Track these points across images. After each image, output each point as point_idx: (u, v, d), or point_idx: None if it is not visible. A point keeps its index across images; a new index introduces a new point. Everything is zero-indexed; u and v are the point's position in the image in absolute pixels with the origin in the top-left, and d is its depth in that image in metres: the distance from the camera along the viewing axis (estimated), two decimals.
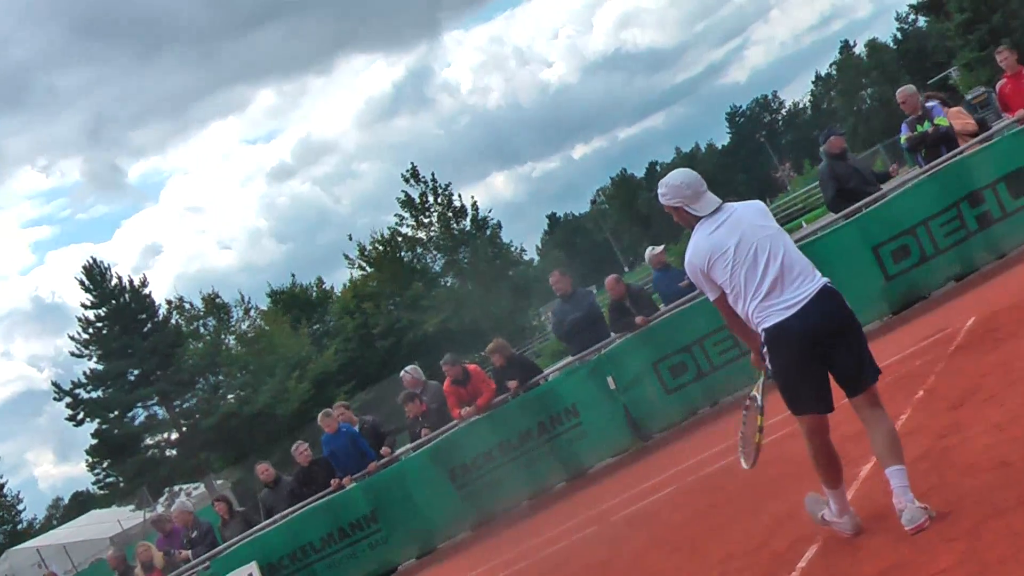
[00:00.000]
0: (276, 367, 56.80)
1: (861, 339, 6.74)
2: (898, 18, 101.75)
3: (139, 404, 56.00)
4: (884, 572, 5.99)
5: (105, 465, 55.64)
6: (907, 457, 7.93)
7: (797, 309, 6.51)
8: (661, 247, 18.34)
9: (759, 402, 7.22)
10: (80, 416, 55.52)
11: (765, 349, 6.58)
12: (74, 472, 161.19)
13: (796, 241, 16.33)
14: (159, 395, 55.52)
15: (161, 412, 56.41)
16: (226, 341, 62.06)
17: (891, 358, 12.73)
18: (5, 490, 65.93)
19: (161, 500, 53.35)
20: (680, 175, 6.84)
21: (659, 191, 6.91)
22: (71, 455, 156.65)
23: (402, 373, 18.46)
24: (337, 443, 17.70)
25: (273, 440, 49.21)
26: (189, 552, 18.70)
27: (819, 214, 41.33)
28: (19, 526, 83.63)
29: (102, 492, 61.09)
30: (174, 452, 55.74)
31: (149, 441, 56.08)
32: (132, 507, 54.09)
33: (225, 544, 18.45)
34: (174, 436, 56.08)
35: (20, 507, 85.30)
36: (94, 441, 55.53)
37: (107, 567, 21.48)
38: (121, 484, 55.32)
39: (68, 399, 55.56)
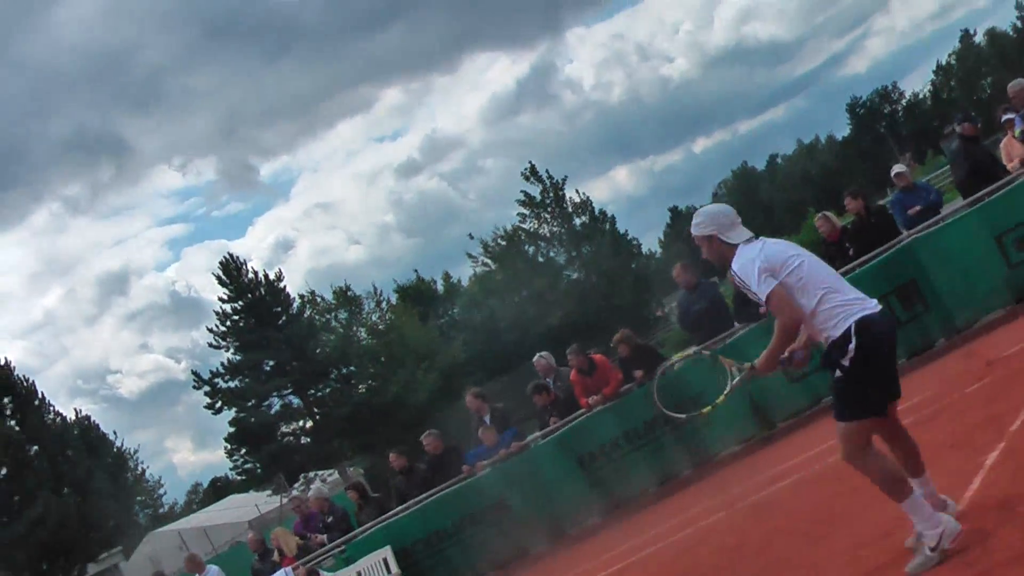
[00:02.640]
0: (406, 359, 57.25)
1: None
2: (1018, 6, 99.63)
3: (274, 394, 56.80)
4: (1016, 560, 5.91)
5: (242, 452, 56.53)
6: None
7: (882, 309, 6.70)
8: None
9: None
10: (218, 405, 56.50)
11: (853, 343, 6.54)
12: (212, 459, 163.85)
13: (920, 230, 16.20)
14: (293, 385, 56.26)
15: (296, 401, 57.18)
16: (357, 333, 62.72)
17: (1013, 348, 12.53)
18: (147, 475, 67.37)
19: (296, 486, 54.08)
20: (717, 206, 7.12)
21: (694, 221, 7.08)
22: (208, 442, 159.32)
23: (536, 358, 18.53)
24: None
25: (404, 429, 49.61)
26: (325, 536, 18.98)
27: (949, 198, 40.51)
28: (160, 510, 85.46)
29: (240, 478, 62.15)
30: (308, 440, 56.44)
31: (284, 429, 56.87)
32: (269, 492, 54.92)
33: (360, 529, 18.71)
34: (308, 425, 56.81)
35: (161, 492, 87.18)
36: (232, 429, 56.45)
37: (247, 549, 21.90)
38: (258, 470, 56.16)
39: (207, 388, 56.55)
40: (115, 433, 53.65)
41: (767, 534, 9.76)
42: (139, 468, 58.52)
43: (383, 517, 18.58)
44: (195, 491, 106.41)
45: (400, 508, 18.43)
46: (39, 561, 43.23)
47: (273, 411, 56.78)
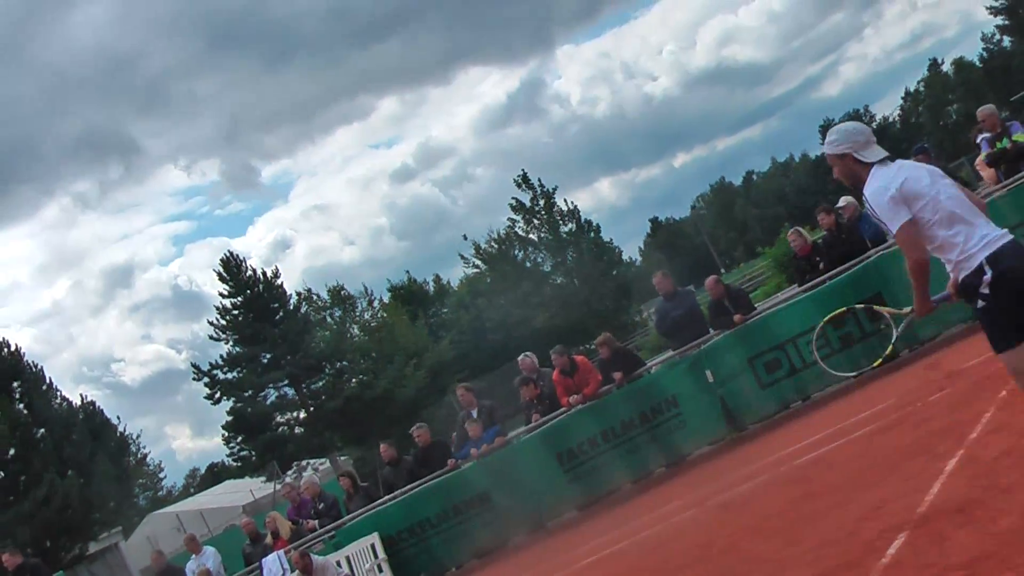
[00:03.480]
0: (395, 356, 57.20)
1: None
2: (984, 38, 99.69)
3: (270, 385, 56.68)
4: (971, 563, 5.92)
5: (239, 440, 56.41)
6: (991, 453, 7.86)
7: (1012, 240, 5.96)
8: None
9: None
10: (217, 395, 56.40)
11: (988, 275, 5.84)
12: (209, 446, 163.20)
13: (884, 247, 16.27)
14: (289, 378, 56.14)
15: (290, 393, 57.06)
16: (350, 330, 62.65)
17: (974, 360, 12.57)
18: (147, 460, 67.31)
19: (290, 473, 53.98)
20: (852, 123, 6.46)
21: (828, 139, 6.40)
22: (206, 430, 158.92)
23: (521, 357, 18.58)
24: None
25: (392, 422, 49.60)
26: (316, 522, 18.98)
27: None
28: (160, 493, 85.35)
29: (236, 464, 62.00)
30: (301, 430, 56.32)
31: (279, 419, 56.73)
32: (263, 479, 54.80)
33: (349, 516, 18.71)
34: (302, 415, 56.69)
35: (161, 476, 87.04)
36: (229, 418, 56.32)
37: (240, 533, 21.86)
38: (253, 458, 56.03)
39: (206, 379, 56.45)
40: (118, 418, 53.61)
41: (735, 532, 9.77)
42: (140, 453, 58.47)
43: (371, 505, 18.59)
44: (193, 476, 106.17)
45: (388, 497, 18.44)
46: (43, 539, 43.13)
47: (269, 402, 56.69)
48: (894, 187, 6.02)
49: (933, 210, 5.99)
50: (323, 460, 57.50)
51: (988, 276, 5.84)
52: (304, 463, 56.29)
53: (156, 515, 63.22)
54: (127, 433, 53.82)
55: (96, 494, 46.49)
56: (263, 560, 18.49)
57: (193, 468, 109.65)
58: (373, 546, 17.90)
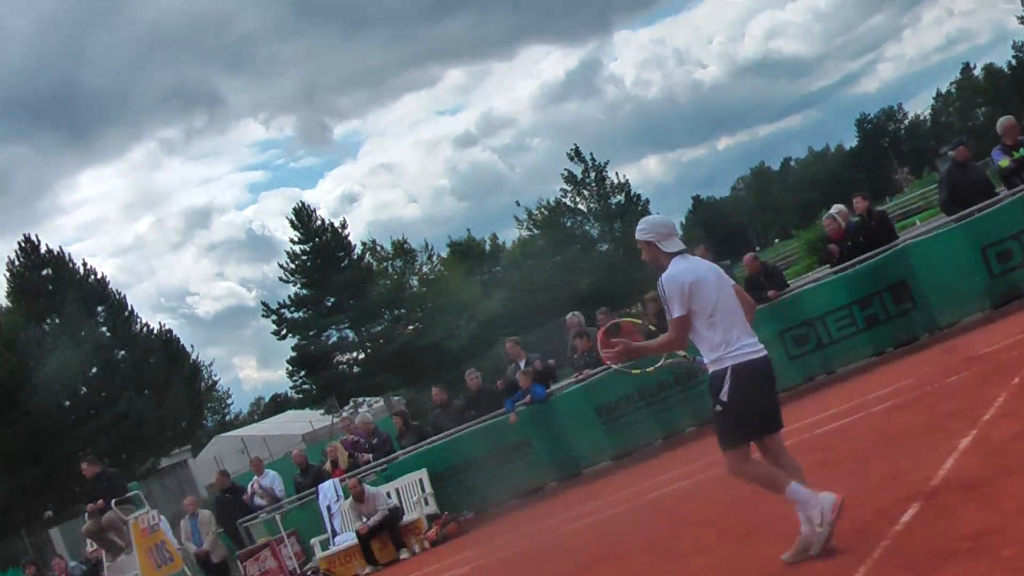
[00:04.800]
0: (450, 307, 57.36)
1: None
2: (1015, 46, 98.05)
3: (333, 327, 57.06)
4: (977, 535, 5.92)
5: (301, 375, 56.92)
6: (1002, 435, 7.83)
7: (764, 355, 6.79)
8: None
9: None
10: (283, 332, 56.87)
11: (729, 383, 6.61)
12: (273, 378, 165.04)
13: (911, 237, 16.20)
14: (350, 321, 56.50)
15: (351, 335, 57.44)
16: (409, 281, 62.84)
17: (990, 347, 12.48)
18: (216, 387, 67.85)
19: (346, 408, 54.38)
20: (659, 217, 7.11)
21: (638, 227, 7.06)
22: (271, 363, 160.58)
23: (569, 316, 18.66)
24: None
25: (442, 368, 49.80)
26: (370, 455, 19.15)
27: (933, 213, 40.34)
28: (227, 417, 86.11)
29: (298, 396, 62.58)
30: (359, 370, 56.71)
31: (339, 358, 57.17)
32: (322, 411, 55.21)
33: (400, 452, 18.86)
34: (360, 356, 57.06)
35: (228, 402, 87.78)
36: (293, 354, 56.83)
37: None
38: (314, 392, 56.53)
39: (274, 317, 56.93)
40: (191, 347, 53.96)
41: (758, 493, 9.72)
42: (210, 380, 58.80)
43: (421, 443, 18.71)
44: (257, 404, 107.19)
45: (437, 437, 18.56)
46: (119, 452, 43.71)
47: (331, 342, 57.09)
48: (687, 282, 6.66)
49: (707, 310, 6.66)
50: (377, 399, 57.86)
51: (728, 385, 6.60)
52: (360, 400, 56.70)
53: (222, 437, 63.92)
54: (199, 361, 54.26)
55: (169, 414, 47.03)
56: (320, 486, 18.70)
57: (258, 397, 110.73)
58: (421, 481, 18.06)
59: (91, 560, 20.65)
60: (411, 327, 57.05)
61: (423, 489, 17.99)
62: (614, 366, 7.64)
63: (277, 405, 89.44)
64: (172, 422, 48.04)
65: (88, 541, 19.98)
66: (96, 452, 30.86)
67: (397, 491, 18.13)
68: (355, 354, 57.28)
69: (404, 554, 17.14)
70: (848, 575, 6.07)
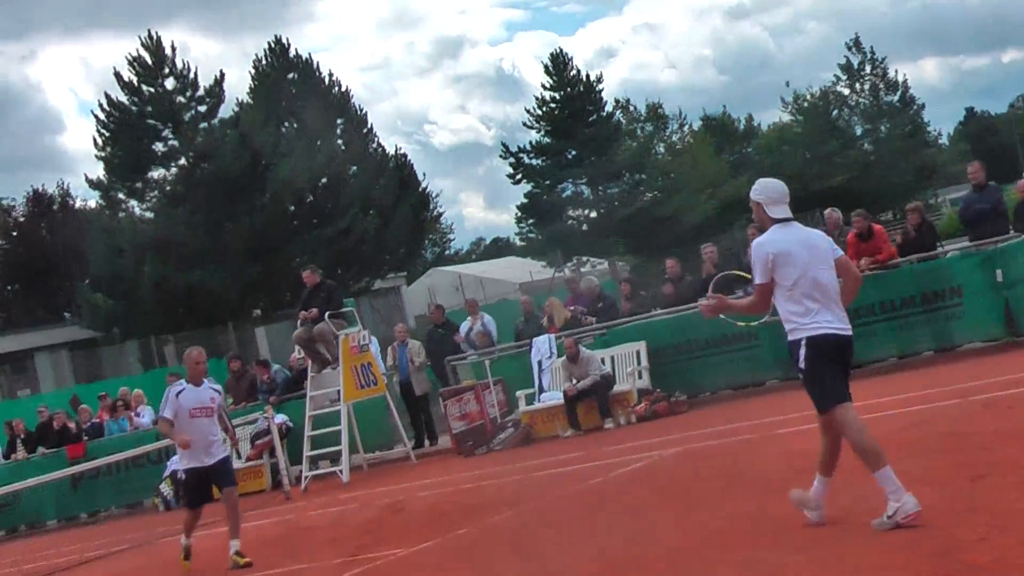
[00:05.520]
0: (692, 181, 56.82)
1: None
2: None
3: (569, 180, 57.21)
4: None
5: (530, 223, 57.51)
6: None
7: (842, 333, 7.21)
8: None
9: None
10: (518, 177, 57.38)
11: (804, 350, 7.14)
12: (497, 220, 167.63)
13: None
14: (588, 177, 56.51)
15: (586, 192, 57.56)
16: (656, 147, 62.37)
17: None
18: (441, 219, 69.39)
19: (569, 265, 54.92)
20: (773, 182, 7.58)
21: (753, 187, 7.58)
22: (497, 204, 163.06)
23: (828, 211, 18.42)
24: None
25: (673, 243, 49.59)
26: (593, 318, 19.36)
27: None
28: (446, 252, 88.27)
29: (521, 243, 63.56)
30: (588, 228, 56.91)
31: (571, 213, 57.41)
32: (543, 264, 55.78)
33: (623, 320, 19.01)
34: (592, 215, 57.23)
35: (450, 236, 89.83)
36: (524, 200, 57.40)
37: (512, 307, 22.46)
38: (539, 242, 57.12)
39: (511, 160, 57.43)
40: (423, 175, 55.13)
41: (996, 433, 9.49)
42: (436, 211, 60.16)
43: (645, 315, 18.81)
44: (477, 244, 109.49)
45: (662, 311, 18.61)
46: (336, 266, 45.18)
47: (564, 195, 57.34)
48: (771, 253, 7.22)
49: (788, 283, 7.20)
50: (602, 261, 58.20)
51: (803, 352, 7.15)
52: (584, 259, 57.11)
53: (438, 271, 65.61)
54: (428, 190, 55.46)
55: (391, 238, 48.33)
56: (534, 339, 19.08)
57: (479, 238, 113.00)
58: (638, 352, 18.21)
59: (294, 368, 21.59)
60: (649, 195, 56.76)
61: (639, 361, 18.16)
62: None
63: (498, 249, 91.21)
64: (392, 246, 49.35)
65: (296, 348, 20.85)
66: (315, 262, 32.04)
67: (612, 359, 18.36)
68: (587, 211, 57.45)
69: (609, 423, 17.45)
70: None
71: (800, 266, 7.17)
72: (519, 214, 57.99)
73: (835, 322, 7.17)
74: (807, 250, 7.26)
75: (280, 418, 20.20)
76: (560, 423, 17.92)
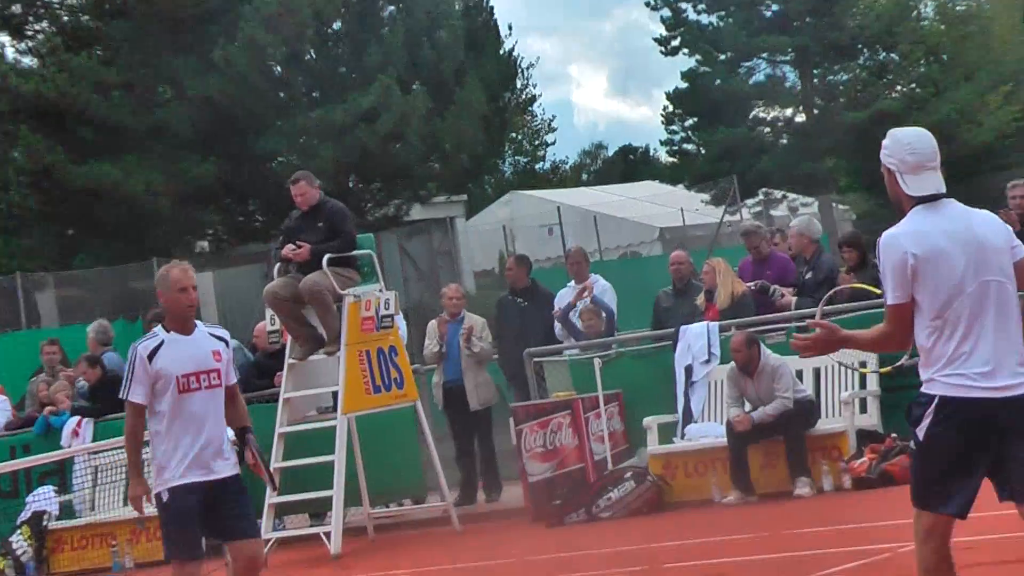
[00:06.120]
0: (980, 68, 56.22)
1: None
2: None
3: (762, 55, 56.92)
4: None
5: (687, 125, 57.45)
6: None
7: (1001, 396, 7.03)
8: None
9: None
10: (674, 43, 57.30)
11: (931, 416, 7.07)
12: (631, 116, 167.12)
13: None
14: (796, 53, 56.09)
15: (792, 77, 57.35)
16: (921, 6, 61.53)
17: None
18: (535, 107, 69.09)
19: (752, 201, 54.73)
20: (912, 134, 7.52)
21: (883, 143, 7.51)
22: (633, 90, 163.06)
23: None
24: None
25: (947, 175, 49.07)
26: (793, 298, 19.01)
27: None
28: (539, 165, 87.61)
29: (669, 159, 63.49)
30: (788, 140, 56.65)
31: (761, 113, 57.31)
32: (707, 197, 55.50)
33: (841, 304, 18.67)
34: (799, 119, 56.90)
35: (549, 138, 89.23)
36: (682, 85, 57.32)
37: (649, 267, 22.18)
38: (702, 158, 56.99)
39: (666, 13, 57.34)
40: (508, 28, 55.40)
41: None
42: (527, 92, 60.61)
43: (878, 299, 18.56)
44: (593, 155, 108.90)
45: None
46: (348, 176, 45.08)
47: (753, 81, 57.19)
48: (912, 253, 7.14)
49: (935, 305, 7.14)
50: (811, 200, 57.71)
51: (929, 419, 7.09)
52: (779, 194, 56.90)
53: (524, 196, 65.75)
54: (516, 56, 55.37)
55: (446, 131, 48.29)
56: (684, 328, 18.97)
57: (597, 144, 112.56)
58: (862, 367, 17.95)
59: (261, 347, 21.45)
60: (902, 89, 56.30)
61: (862, 383, 17.99)
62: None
63: (628, 166, 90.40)
64: (446, 148, 48.73)
65: (269, 315, 20.47)
66: (311, 167, 31.82)
67: (817, 374, 18.14)
68: (791, 112, 57.25)
69: (804, 487, 17.38)
70: None
71: (955, 276, 7.11)
72: (670, 108, 57.82)
73: (1003, 379, 7.06)
74: (967, 251, 7.19)
75: (231, 433, 20.15)
76: (718, 479, 17.76)
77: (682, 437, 18.46)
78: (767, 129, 56.93)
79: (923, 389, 7.13)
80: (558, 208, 56.75)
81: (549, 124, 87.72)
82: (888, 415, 17.72)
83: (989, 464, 7.06)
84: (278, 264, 19.53)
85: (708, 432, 18.18)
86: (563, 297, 20.68)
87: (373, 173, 46.26)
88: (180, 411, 10.80)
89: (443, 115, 46.21)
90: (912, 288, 7.10)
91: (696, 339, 18.72)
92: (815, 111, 56.24)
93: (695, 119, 56.99)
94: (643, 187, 70.26)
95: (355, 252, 19.50)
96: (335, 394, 18.65)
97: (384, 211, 47.60)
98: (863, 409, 17.94)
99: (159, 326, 11.29)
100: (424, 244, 51.42)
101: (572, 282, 20.85)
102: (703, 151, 56.83)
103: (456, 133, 47.02)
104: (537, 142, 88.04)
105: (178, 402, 10.78)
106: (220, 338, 11.38)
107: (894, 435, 17.41)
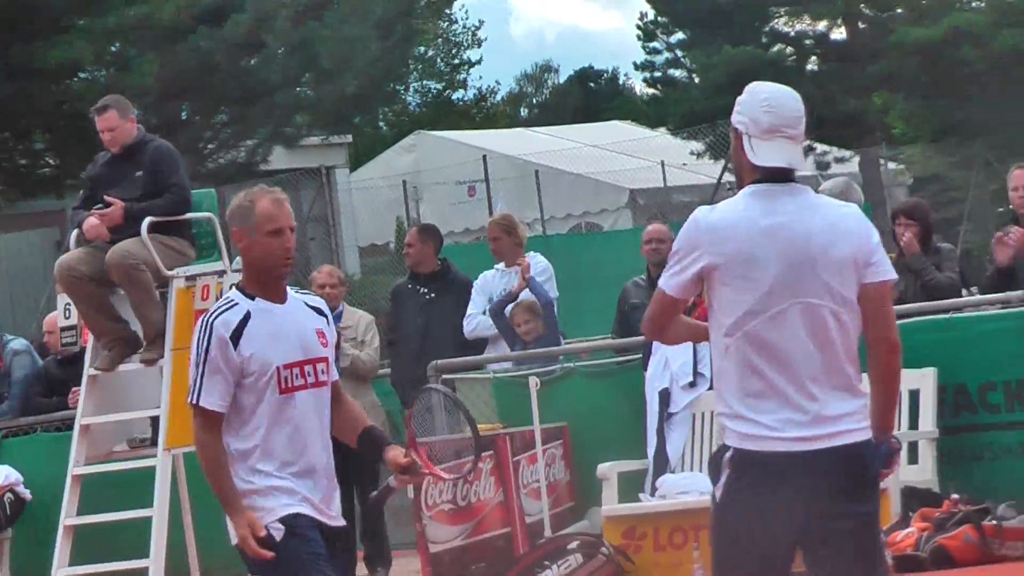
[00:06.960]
0: None
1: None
2: None
3: None
4: None
5: (671, 41, 58.07)
6: None
7: (806, 448, 7.61)
8: None
9: None
10: None
11: (727, 474, 7.74)
12: (594, 25, 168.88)
13: None
14: None
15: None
16: None
17: None
18: (453, 8, 69.73)
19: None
20: (776, 89, 8.08)
21: (738, 97, 8.05)
22: None
23: None
24: None
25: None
26: None
27: None
28: (456, 95, 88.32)
29: (646, 92, 64.02)
30: (818, 66, 57.41)
31: (777, 24, 58.12)
32: (698, 150, 56.20)
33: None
34: (837, 36, 57.71)
35: (470, 53, 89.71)
36: None
37: (611, 245, 22.62)
38: (692, 90, 57.65)
39: None
40: None
41: None
42: None
43: (956, 302, 19.03)
44: (537, 83, 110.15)
45: (990, 297, 18.83)
46: (180, 100, 45.73)
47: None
48: (708, 237, 7.78)
49: (729, 318, 7.70)
50: (846, 155, 58.65)
51: (724, 477, 7.79)
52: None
53: (433, 137, 66.09)
54: None
55: (319, 42, 48.87)
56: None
57: (544, 62, 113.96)
58: (916, 394, 18.31)
59: (53, 348, 21.68)
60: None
61: (913, 415, 18.22)
62: None
63: (588, 98, 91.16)
64: (328, 63, 49.10)
65: (63, 304, 20.40)
66: (127, 91, 32.00)
67: None
68: (821, 25, 57.90)
69: None
70: None
71: (765, 283, 7.60)
72: (650, 15, 58.25)
73: (820, 427, 7.55)
74: (792, 256, 7.66)
75: (3, 473, 20.35)
76: (702, 554, 17.93)
77: (652, 493, 18.59)
78: (790, 49, 57.46)
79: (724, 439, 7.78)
80: (484, 157, 57.02)
81: (474, 34, 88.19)
82: (947, 466, 18.04)
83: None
84: (75, 229, 19.37)
85: (690, 486, 18.30)
86: (489, 285, 20.71)
87: (217, 99, 46.51)
88: (278, 420, 10.01)
89: (321, 16, 46.40)
90: (710, 291, 7.72)
91: (677, 353, 18.89)
92: (860, 24, 56.77)
93: (686, 32, 57.33)
94: (608, 130, 70.57)
95: (189, 215, 19.52)
96: (155, 420, 18.67)
97: (232, 155, 47.89)
98: (912, 459, 18.17)
99: (234, 288, 10.44)
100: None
101: (500, 264, 20.87)
102: (696, 79, 57.29)
103: (338, 42, 47.21)
104: (456, 60, 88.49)
105: (277, 408, 9.95)
106: (320, 311, 10.44)
107: (955, 496, 17.74)
